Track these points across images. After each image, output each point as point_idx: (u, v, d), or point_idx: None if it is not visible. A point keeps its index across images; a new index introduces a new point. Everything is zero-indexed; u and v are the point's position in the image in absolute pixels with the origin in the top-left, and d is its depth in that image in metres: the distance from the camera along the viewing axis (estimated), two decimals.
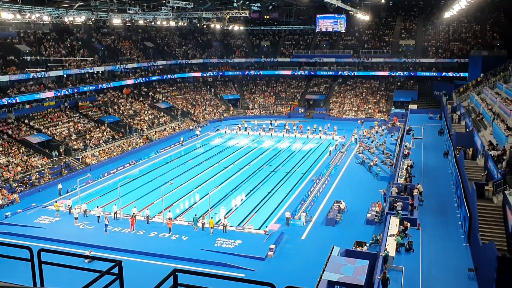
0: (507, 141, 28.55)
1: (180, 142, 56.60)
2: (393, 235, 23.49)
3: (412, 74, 74.15)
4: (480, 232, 21.42)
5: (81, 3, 46.80)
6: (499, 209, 23.48)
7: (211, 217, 29.91)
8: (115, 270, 4.17)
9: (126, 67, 64.95)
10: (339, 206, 32.20)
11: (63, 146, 46.26)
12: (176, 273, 4.13)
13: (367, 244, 25.12)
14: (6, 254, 4.72)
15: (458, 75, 69.56)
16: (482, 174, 29.06)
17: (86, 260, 22.70)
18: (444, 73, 71.38)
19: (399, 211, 26.81)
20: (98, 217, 31.21)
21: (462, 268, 20.79)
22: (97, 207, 32.25)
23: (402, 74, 75.01)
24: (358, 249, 23.90)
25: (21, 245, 4.47)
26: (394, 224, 24.98)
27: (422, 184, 32.44)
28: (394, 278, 19.84)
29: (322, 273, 19.15)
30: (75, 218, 31.03)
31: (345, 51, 78.28)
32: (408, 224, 25.12)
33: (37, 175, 40.28)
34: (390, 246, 22.10)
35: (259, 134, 61.80)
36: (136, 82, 67.12)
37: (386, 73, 75.73)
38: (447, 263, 21.53)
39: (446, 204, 29.62)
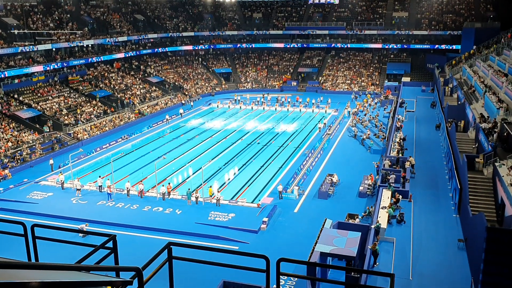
0: (498, 113, 28.73)
1: (166, 119, 54.57)
2: (385, 207, 23.77)
3: (405, 46, 73.87)
4: (470, 204, 21.73)
5: None
6: (489, 181, 23.80)
7: (210, 187, 31.33)
8: (110, 244, 4.17)
9: (116, 40, 63.98)
10: (331, 179, 32.43)
11: (51, 121, 45.84)
12: (171, 246, 4.15)
13: (359, 217, 25.43)
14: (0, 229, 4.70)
15: (451, 48, 69.38)
16: (473, 146, 29.32)
17: (81, 234, 22.85)
18: (437, 46, 71.11)
19: (391, 184, 27.07)
20: (100, 186, 31.77)
21: (452, 238, 21.16)
22: (100, 176, 32.86)
23: (395, 46, 74.70)
24: (350, 221, 24.18)
25: (15, 221, 4.45)
26: (386, 197, 25.25)
27: (414, 156, 32.70)
28: (386, 250, 20.18)
29: (315, 245, 19.41)
30: (77, 189, 31.62)
31: (338, 23, 77.52)
32: (400, 197, 25.41)
33: (28, 150, 40.03)
34: (382, 218, 22.40)
35: (251, 108, 61.58)
36: (127, 55, 66.24)
37: (379, 46, 75.32)
38: (437, 234, 21.90)
39: (437, 176, 29.94)
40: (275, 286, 4.09)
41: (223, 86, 74.78)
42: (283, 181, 33.27)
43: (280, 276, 3.91)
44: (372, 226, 21.18)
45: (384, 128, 46.43)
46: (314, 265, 18.36)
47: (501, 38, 48.62)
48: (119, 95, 57.62)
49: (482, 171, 24.78)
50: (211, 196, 30.01)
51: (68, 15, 60.11)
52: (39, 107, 47.47)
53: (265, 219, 26.45)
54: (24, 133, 42.62)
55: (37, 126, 44.73)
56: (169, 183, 32.51)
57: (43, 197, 31.20)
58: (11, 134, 41.27)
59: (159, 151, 42.20)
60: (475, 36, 59.87)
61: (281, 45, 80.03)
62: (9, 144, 39.73)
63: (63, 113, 48.45)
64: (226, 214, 27.71)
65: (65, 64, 55.31)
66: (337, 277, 19.34)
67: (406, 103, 50.93)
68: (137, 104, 57.68)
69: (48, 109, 47.95)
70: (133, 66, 68.46)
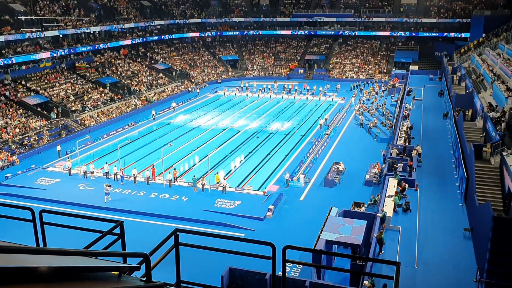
0: (506, 102, 28.48)
1: (152, 116, 50.10)
2: (391, 195, 23.74)
3: (413, 34, 73.10)
4: (477, 193, 21.65)
5: None
6: (496, 170, 23.69)
7: (217, 173, 31.46)
8: (117, 230, 4.20)
9: (123, 27, 63.82)
10: (338, 167, 32.39)
11: (60, 107, 46.03)
12: (177, 232, 4.18)
13: (365, 205, 25.43)
14: (8, 215, 4.74)
15: (459, 36, 68.57)
16: (481, 135, 29.16)
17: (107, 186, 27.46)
18: (445, 34, 70.32)
19: (398, 172, 27.01)
20: (107, 172, 32.24)
21: (458, 228, 21.13)
22: (106, 163, 33.27)
23: (403, 34, 73.95)
24: (356, 209, 24.20)
25: (23, 206, 4.49)
26: (392, 185, 25.20)
27: (421, 145, 32.57)
28: (391, 238, 20.21)
29: (320, 233, 19.46)
30: (91, 172, 32.47)
31: (346, 10, 76.78)
32: (406, 185, 25.37)
33: (36, 136, 40.27)
34: (388, 207, 22.39)
35: (258, 96, 61.42)
36: (134, 42, 66.11)
37: (387, 33, 74.62)
38: (443, 223, 21.87)
39: (444, 165, 29.83)
40: (280, 273, 4.11)
41: (230, 73, 74.55)
42: (289, 169, 33.27)
43: (286, 263, 3.92)
44: (378, 215, 21.18)
45: (391, 116, 46.19)
46: (320, 252, 18.44)
47: (511, 26, 47.98)
48: (126, 82, 57.64)
49: (489, 160, 24.65)
50: (218, 183, 30.11)
51: (75, 2, 59.97)
52: (46, 94, 47.61)
53: (271, 206, 26.53)
54: (32, 119, 42.83)
55: (45, 112, 44.93)
56: (174, 169, 32.77)
57: (50, 183, 31.45)
58: (19, 121, 41.50)
59: (166, 138, 42.30)
60: (484, 24, 59.09)
61: (288, 32, 79.47)
62: (17, 130, 39.98)
63: (70, 99, 48.59)
64: (232, 202, 27.82)
65: (72, 51, 55.32)
66: (342, 265, 19.44)
67: (414, 92, 50.56)
68: (144, 91, 57.69)
69: (55, 95, 48.10)
70: (140, 53, 68.37)
